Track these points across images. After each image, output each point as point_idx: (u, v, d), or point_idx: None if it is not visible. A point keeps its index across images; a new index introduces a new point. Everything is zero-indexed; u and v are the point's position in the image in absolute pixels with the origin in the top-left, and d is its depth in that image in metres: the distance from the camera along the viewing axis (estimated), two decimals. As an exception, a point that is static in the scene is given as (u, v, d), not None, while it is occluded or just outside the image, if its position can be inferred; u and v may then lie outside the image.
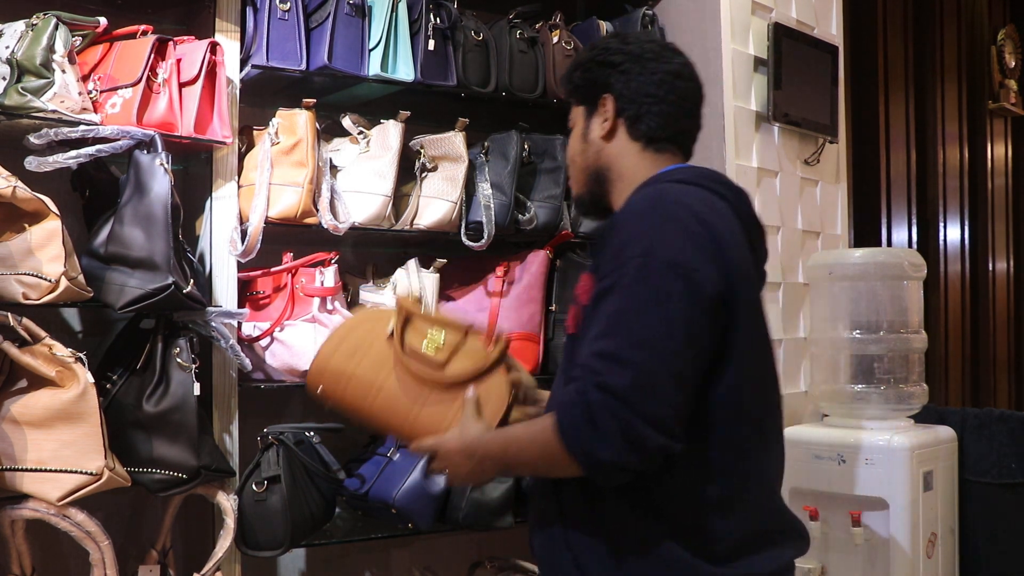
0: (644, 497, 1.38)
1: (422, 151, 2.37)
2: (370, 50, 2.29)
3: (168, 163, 1.96)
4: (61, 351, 1.83)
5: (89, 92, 1.99)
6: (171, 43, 2.05)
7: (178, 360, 1.98)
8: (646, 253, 1.33)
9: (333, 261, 2.26)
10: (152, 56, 2.00)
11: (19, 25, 1.91)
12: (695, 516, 1.38)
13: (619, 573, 1.39)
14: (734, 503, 1.39)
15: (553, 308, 2.52)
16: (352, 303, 2.39)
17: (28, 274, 1.82)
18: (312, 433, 2.20)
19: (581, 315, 1.42)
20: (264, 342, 2.20)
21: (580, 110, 1.61)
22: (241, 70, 2.19)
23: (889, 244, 3.99)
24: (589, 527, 1.42)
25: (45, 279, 1.82)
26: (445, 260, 2.41)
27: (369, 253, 2.65)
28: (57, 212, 1.84)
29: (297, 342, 2.19)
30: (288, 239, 2.45)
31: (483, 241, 2.37)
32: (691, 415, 1.34)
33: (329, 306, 2.24)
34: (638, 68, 1.54)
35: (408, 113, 2.31)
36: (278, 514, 2.09)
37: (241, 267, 2.20)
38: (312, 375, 1.65)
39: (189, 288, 1.96)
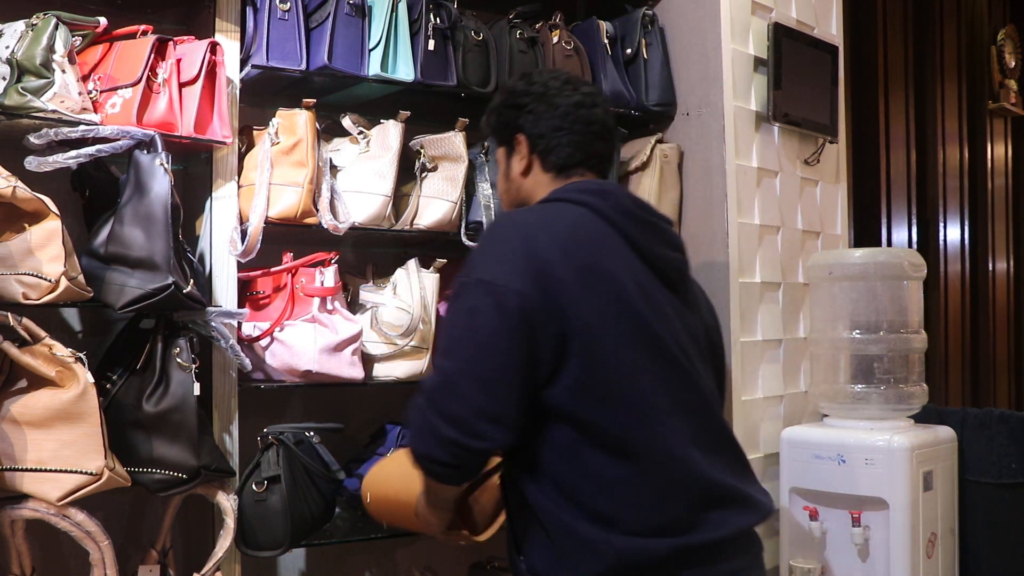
0: (557, 486, 1.52)
1: (422, 151, 2.37)
2: (370, 50, 2.29)
3: (168, 163, 1.96)
4: (61, 351, 1.83)
5: (89, 92, 1.99)
6: (171, 43, 2.05)
7: (178, 360, 1.98)
8: (467, 274, 1.53)
9: (333, 261, 2.26)
10: (152, 56, 2.00)
11: (19, 25, 1.91)
12: (599, 497, 1.50)
13: (552, 554, 1.53)
14: (632, 481, 1.51)
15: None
16: (352, 303, 2.39)
17: (28, 274, 1.82)
18: (312, 433, 2.20)
19: None
20: (264, 342, 2.20)
21: (501, 151, 1.79)
22: (241, 70, 2.19)
23: (889, 244, 3.99)
24: (524, 518, 1.58)
25: (45, 279, 1.82)
26: (445, 260, 2.41)
27: (369, 253, 2.65)
28: (57, 212, 1.84)
29: (297, 342, 2.19)
30: (288, 239, 2.45)
31: (483, 241, 2.37)
32: (558, 410, 1.50)
33: (329, 306, 2.24)
34: (543, 106, 1.71)
35: (408, 113, 2.31)
36: (278, 514, 2.09)
37: (241, 267, 2.20)
38: (364, 486, 1.96)
39: (189, 288, 1.96)
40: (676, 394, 1.57)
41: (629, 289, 1.56)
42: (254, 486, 2.10)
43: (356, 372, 2.25)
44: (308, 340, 2.19)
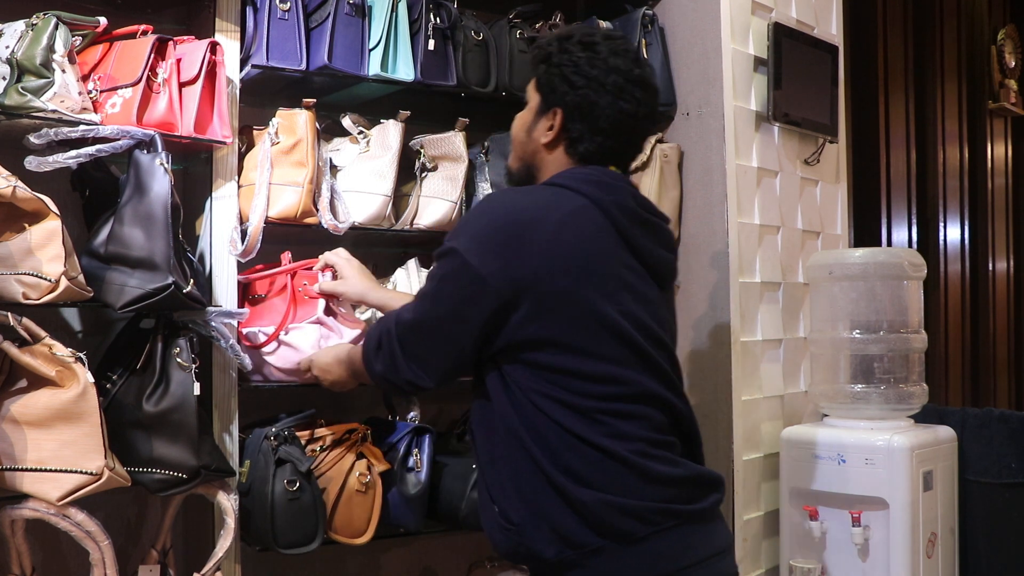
0: (524, 437, 1.60)
1: (422, 151, 2.37)
2: (370, 50, 2.29)
3: (168, 163, 1.96)
4: (61, 351, 1.83)
5: (89, 92, 1.99)
6: (171, 43, 2.05)
7: (178, 360, 1.98)
8: (451, 238, 1.62)
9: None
10: (152, 56, 1.99)
11: (19, 25, 1.91)
12: (561, 447, 1.59)
13: (517, 496, 1.62)
14: (588, 441, 1.59)
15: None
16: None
17: (28, 274, 1.82)
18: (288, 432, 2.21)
19: None
20: (270, 346, 2.20)
21: (536, 97, 1.73)
22: (241, 70, 2.19)
23: (889, 244, 3.99)
24: (505, 479, 1.65)
25: (45, 279, 1.82)
26: (445, 260, 2.41)
27: (369, 253, 2.64)
28: (57, 212, 1.84)
29: (303, 344, 2.18)
30: (288, 239, 2.45)
31: (483, 241, 2.37)
32: (515, 371, 1.61)
33: (333, 308, 2.23)
34: (594, 97, 1.65)
35: (408, 113, 2.31)
36: (310, 510, 2.12)
37: (240, 268, 2.20)
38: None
39: (189, 288, 1.96)
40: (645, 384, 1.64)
41: (610, 287, 1.61)
42: (286, 484, 2.10)
43: None
44: (313, 342, 2.18)
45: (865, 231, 3.83)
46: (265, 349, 2.19)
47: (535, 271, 1.57)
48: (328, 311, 2.22)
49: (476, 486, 2.31)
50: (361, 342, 1.89)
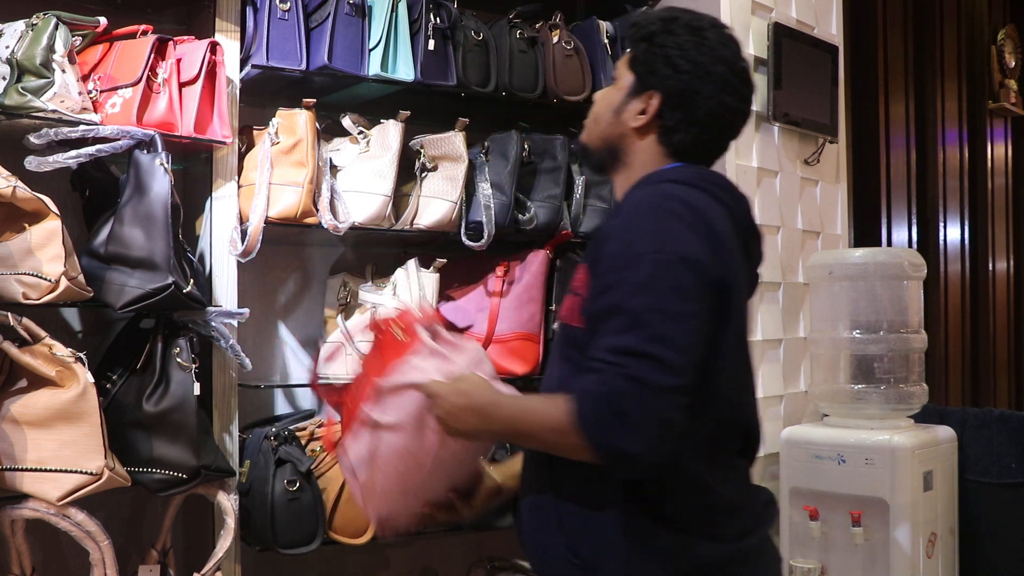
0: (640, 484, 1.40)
1: (422, 151, 2.37)
2: (370, 50, 2.29)
3: (168, 163, 1.96)
4: (61, 351, 1.83)
5: (89, 92, 1.99)
6: (171, 43, 2.05)
7: (178, 360, 1.98)
8: (658, 249, 1.34)
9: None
10: (152, 56, 1.99)
11: (19, 25, 1.91)
12: (672, 489, 1.41)
13: (598, 531, 1.42)
14: (718, 488, 1.44)
15: (553, 308, 2.52)
16: (351, 302, 2.40)
17: (28, 274, 1.82)
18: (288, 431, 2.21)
19: (578, 306, 1.44)
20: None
21: (628, 75, 1.54)
22: (241, 70, 2.19)
23: (889, 244, 3.99)
24: (585, 512, 1.43)
25: (45, 279, 1.82)
26: (445, 260, 2.41)
27: (369, 253, 2.65)
28: (57, 212, 1.84)
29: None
30: (288, 239, 2.46)
31: (483, 241, 2.37)
32: None
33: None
34: (698, 86, 1.49)
35: (408, 113, 2.31)
36: (311, 510, 2.12)
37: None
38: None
39: (189, 288, 1.96)
40: (747, 417, 1.54)
41: (745, 303, 1.51)
42: (286, 484, 2.10)
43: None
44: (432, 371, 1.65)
45: (865, 231, 3.83)
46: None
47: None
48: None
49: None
50: (536, 400, 1.47)
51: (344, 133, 2.37)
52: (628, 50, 1.57)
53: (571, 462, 1.39)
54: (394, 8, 2.31)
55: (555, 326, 1.60)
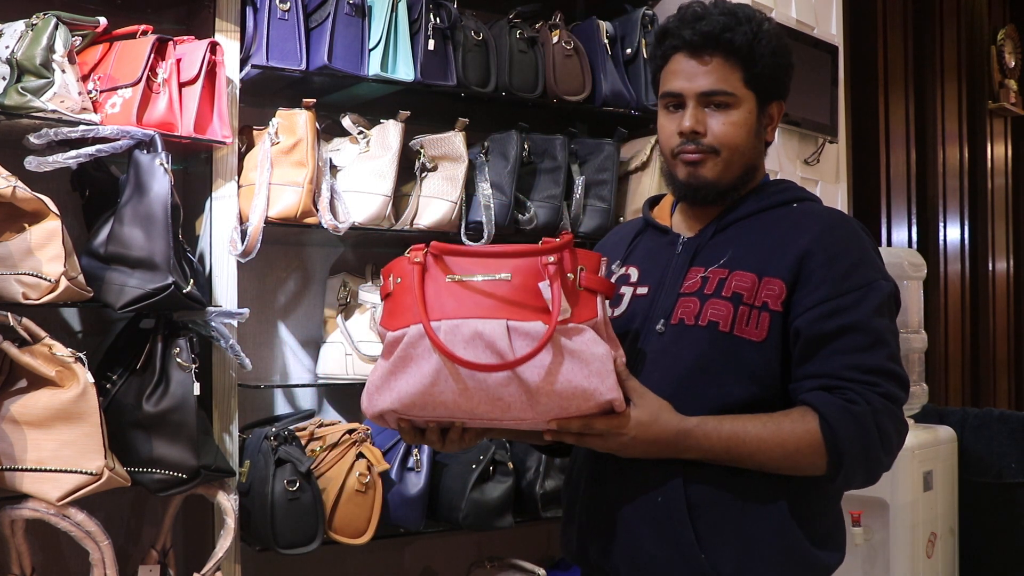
0: (786, 486, 1.41)
1: (422, 151, 2.37)
2: (370, 50, 2.29)
3: (168, 163, 1.96)
4: (61, 351, 1.83)
5: (89, 92, 1.99)
6: (171, 43, 2.05)
7: (178, 360, 1.98)
8: (885, 277, 1.42)
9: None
10: (152, 56, 1.99)
11: (19, 25, 1.91)
12: (815, 500, 1.46)
13: (743, 548, 1.39)
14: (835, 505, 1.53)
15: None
16: (351, 302, 2.40)
17: (28, 274, 1.82)
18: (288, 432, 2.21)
19: (754, 317, 1.40)
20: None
21: (750, 96, 1.47)
22: (241, 70, 2.19)
23: (889, 244, 3.99)
24: (729, 513, 1.40)
25: (45, 279, 1.82)
26: (445, 260, 2.40)
27: (369, 253, 2.65)
28: (57, 212, 1.84)
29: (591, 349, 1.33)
30: (288, 239, 2.46)
31: (483, 241, 2.37)
32: None
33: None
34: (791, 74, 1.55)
35: (408, 113, 2.31)
36: (311, 510, 2.12)
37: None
38: None
39: (189, 288, 1.96)
40: None
41: None
42: (286, 484, 2.10)
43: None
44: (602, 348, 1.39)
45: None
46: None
47: None
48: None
49: (502, 492, 2.32)
50: (757, 423, 1.37)
51: (344, 133, 2.38)
52: (722, 63, 1.46)
53: (733, 476, 1.38)
54: (394, 8, 2.31)
55: (659, 327, 1.46)
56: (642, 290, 1.51)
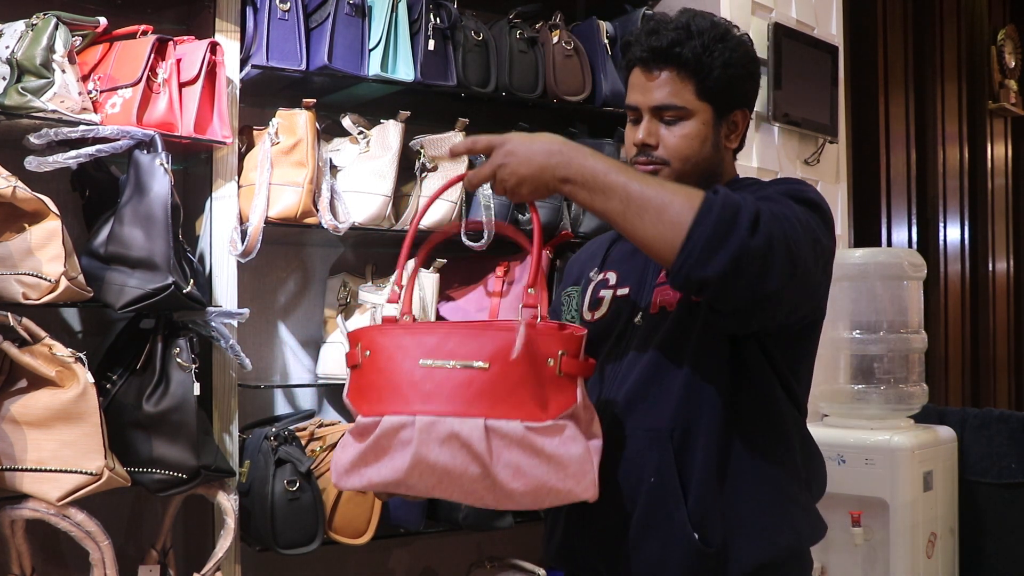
0: (766, 438, 1.43)
1: (422, 151, 2.37)
2: (370, 50, 2.29)
3: (168, 163, 1.96)
4: (61, 351, 1.83)
5: (89, 92, 1.99)
6: (171, 43, 2.05)
7: (178, 360, 1.98)
8: (819, 201, 1.39)
9: None
10: (152, 56, 2.00)
11: (19, 25, 1.91)
12: (799, 448, 1.47)
13: (730, 511, 1.39)
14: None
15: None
16: (351, 302, 2.39)
17: (28, 274, 1.82)
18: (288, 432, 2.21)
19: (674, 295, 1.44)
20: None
21: (704, 108, 1.47)
22: (241, 70, 2.19)
23: (889, 244, 3.99)
24: (718, 485, 1.40)
25: (45, 279, 1.82)
26: (445, 260, 2.41)
27: (369, 253, 2.65)
28: (57, 212, 1.84)
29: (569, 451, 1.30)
30: (288, 239, 2.46)
31: (483, 241, 2.37)
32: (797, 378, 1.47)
33: None
34: (758, 83, 1.57)
35: (408, 113, 2.31)
36: (310, 510, 2.12)
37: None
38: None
39: (189, 288, 1.96)
40: None
41: None
42: (286, 484, 2.10)
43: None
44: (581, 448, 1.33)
45: (865, 231, 3.83)
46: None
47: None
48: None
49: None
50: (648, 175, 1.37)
51: (344, 133, 2.38)
52: (672, 77, 1.47)
53: (712, 443, 1.39)
54: (394, 8, 2.32)
55: (637, 320, 1.50)
56: (623, 291, 1.55)
